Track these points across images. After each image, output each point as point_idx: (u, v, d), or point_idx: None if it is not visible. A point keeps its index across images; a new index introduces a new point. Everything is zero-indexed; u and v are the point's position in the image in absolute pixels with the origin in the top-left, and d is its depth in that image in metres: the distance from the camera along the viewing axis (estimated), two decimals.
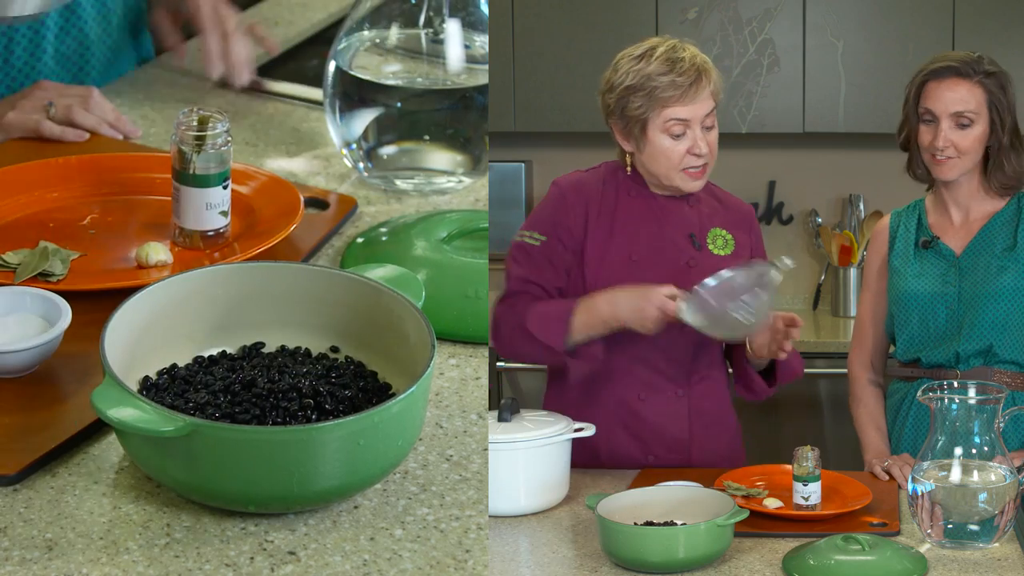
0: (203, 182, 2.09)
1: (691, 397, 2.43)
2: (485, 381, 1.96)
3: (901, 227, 2.57)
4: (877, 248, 2.60)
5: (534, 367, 4.06)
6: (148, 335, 1.80)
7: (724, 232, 2.45)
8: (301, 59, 2.75)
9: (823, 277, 4.32)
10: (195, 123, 2.08)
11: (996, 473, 2.05)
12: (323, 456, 1.63)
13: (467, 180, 2.36)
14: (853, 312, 4.21)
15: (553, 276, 2.39)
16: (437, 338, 1.78)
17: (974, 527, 2.02)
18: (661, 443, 2.41)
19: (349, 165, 2.37)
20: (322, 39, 2.81)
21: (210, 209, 2.11)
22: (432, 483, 1.77)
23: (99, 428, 1.81)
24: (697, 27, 4.16)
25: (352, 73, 2.30)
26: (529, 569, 2.02)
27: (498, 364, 4.09)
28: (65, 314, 1.90)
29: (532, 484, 2.20)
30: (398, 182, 2.34)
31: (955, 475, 2.06)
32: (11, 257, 2.06)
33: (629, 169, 2.41)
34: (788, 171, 4.01)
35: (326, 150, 2.47)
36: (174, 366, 1.83)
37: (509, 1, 4.23)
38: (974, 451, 2.06)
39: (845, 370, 2.92)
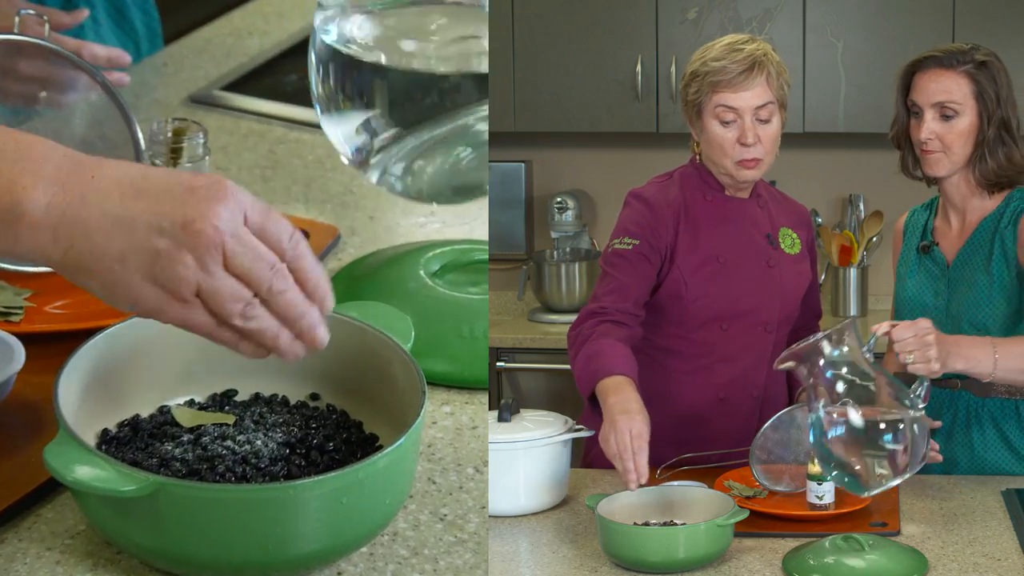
0: None
1: (764, 399, 2.52)
2: (483, 431, 1.90)
3: (910, 227, 2.61)
4: (896, 246, 2.66)
5: (534, 367, 4.18)
6: (108, 383, 1.74)
7: (791, 232, 2.56)
8: (278, 73, 2.69)
9: (823, 277, 4.40)
10: (170, 134, 2.02)
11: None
12: (302, 516, 1.55)
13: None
14: (854, 312, 4.32)
15: (646, 279, 2.44)
16: (429, 383, 1.78)
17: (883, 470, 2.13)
18: (726, 441, 2.46)
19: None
20: (301, 51, 2.65)
21: None
22: (424, 546, 1.69)
23: (53, 487, 1.73)
24: (697, 27, 4.25)
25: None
26: (529, 569, 2.07)
27: (498, 364, 4.17)
28: (18, 356, 1.81)
29: (532, 484, 2.26)
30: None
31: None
32: None
33: (699, 158, 2.50)
34: (788, 171, 4.12)
35: (306, 174, 2.43)
36: (136, 417, 1.77)
37: (509, 1, 4.32)
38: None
39: None
